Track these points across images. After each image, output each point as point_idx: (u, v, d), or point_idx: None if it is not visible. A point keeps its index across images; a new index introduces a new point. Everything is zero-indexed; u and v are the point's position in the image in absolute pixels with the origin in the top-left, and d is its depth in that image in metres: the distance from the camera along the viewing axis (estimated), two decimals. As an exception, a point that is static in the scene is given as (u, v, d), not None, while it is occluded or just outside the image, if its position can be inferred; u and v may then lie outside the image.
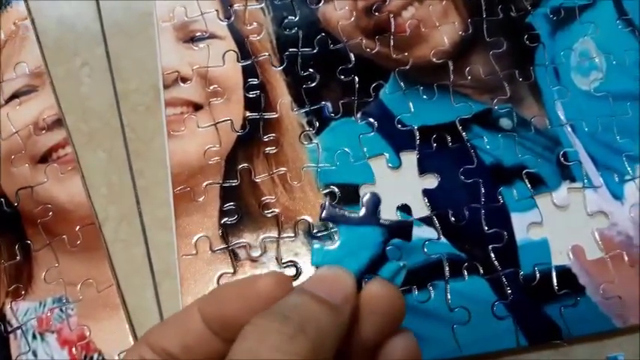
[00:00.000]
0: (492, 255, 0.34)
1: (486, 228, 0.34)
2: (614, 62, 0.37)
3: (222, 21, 0.39)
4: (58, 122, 0.38)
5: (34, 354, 0.34)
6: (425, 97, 0.37)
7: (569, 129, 0.36)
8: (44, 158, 0.38)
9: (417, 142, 0.36)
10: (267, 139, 0.37)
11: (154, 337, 0.21)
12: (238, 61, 0.38)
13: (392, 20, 0.38)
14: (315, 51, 0.38)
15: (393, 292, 0.20)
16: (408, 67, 0.38)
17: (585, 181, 0.35)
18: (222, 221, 0.35)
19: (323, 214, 0.35)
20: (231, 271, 0.34)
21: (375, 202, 0.35)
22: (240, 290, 0.21)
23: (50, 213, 0.36)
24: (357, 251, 0.34)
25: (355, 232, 0.35)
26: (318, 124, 0.37)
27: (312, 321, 0.18)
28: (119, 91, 0.39)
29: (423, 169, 0.36)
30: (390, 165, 0.36)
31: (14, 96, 0.39)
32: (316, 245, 0.34)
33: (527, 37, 0.38)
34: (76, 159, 0.37)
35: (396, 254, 0.34)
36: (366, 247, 0.34)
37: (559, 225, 0.34)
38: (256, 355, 0.17)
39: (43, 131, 0.38)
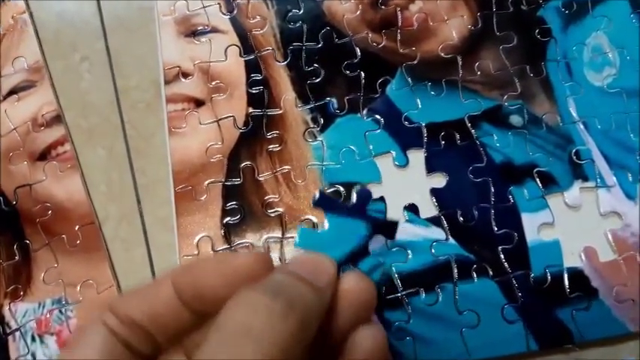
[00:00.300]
0: (502, 256, 0.33)
1: (496, 229, 0.33)
2: (627, 57, 0.36)
3: (224, 14, 0.38)
4: (57, 118, 0.37)
5: (33, 356, 0.33)
6: (433, 93, 0.36)
7: (582, 126, 0.35)
8: (43, 155, 0.37)
9: (425, 139, 0.35)
10: (270, 137, 0.36)
11: (120, 304, 0.21)
12: (241, 55, 0.37)
13: (399, 14, 0.37)
14: (319, 45, 0.37)
15: (368, 285, 0.21)
16: (415, 62, 0.37)
17: (598, 180, 0.34)
18: (224, 221, 0.34)
19: (315, 200, 0.34)
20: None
21: (364, 196, 0.34)
22: (219, 265, 0.21)
23: (49, 212, 0.35)
24: (340, 241, 0.34)
25: (342, 223, 0.34)
26: (322, 120, 0.36)
27: (300, 300, 0.19)
28: (119, 86, 0.38)
29: (431, 167, 0.35)
30: (396, 163, 0.35)
31: (12, 92, 0.38)
32: (304, 226, 0.34)
33: (539, 31, 0.37)
34: (76, 156, 0.36)
35: (377, 251, 0.33)
36: (349, 238, 0.34)
37: (571, 226, 0.33)
38: (247, 329, 0.17)
39: (42, 128, 0.37)
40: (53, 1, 0.40)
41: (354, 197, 0.34)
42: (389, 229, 0.34)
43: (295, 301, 0.19)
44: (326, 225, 0.34)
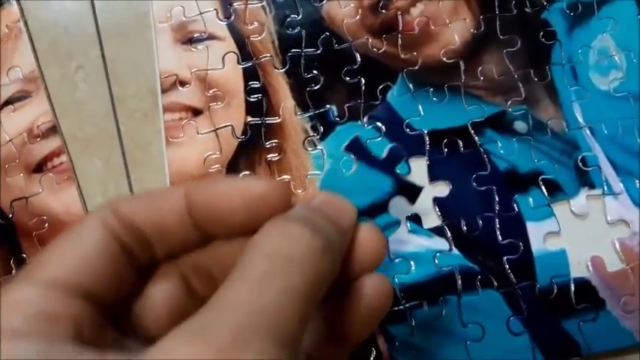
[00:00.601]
0: (507, 267, 0.32)
1: (501, 238, 0.33)
2: (634, 60, 0.35)
3: (221, 21, 0.37)
4: (53, 129, 0.37)
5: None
6: (435, 99, 0.35)
7: (588, 132, 0.34)
8: (39, 167, 0.36)
9: (427, 147, 0.34)
10: (269, 146, 0.35)
11: (123, 204, 0.20)
12: (239, 63, 0.37)
13: (400, 18, 0.36)
14: (319, 51, 0.36)
15: (381, 239, 0.21)
16: (416, 67, 0.36)
17: (605, 187, 0.33)
18: (223, 232, 0.34)
19: (347, 144, 0.34)
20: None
21: (396, 155, 0.34)
22: (238, 187, 0.20)
23: (46, 225, 0.35)
24: (363, 191, 0.33)
25: (369, 173, 0.34)
26: (322, 129, 0.35)
27: (332, 240, 0.19)
28: (116, 95, 0.37)
29: (434, 175, 0.34)
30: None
31: (8, 102, 0.38)
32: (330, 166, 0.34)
33: (543, 34, 0.36)
34: (72, 168, 0.36)
35: (395, 210, 0.33)
36: (373, 190, 0.33)
37: (578, 235, 0.33)
38: (290, 261, 0.17)
39: (38, 139, 0.37)
40: (47, 8, 0.39)
41: (385, 153, 0.34)
42: (412, 192, 0.33)
43: (329, 240, 0.18)
44: (353, 169, 0.34)
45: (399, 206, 0.34)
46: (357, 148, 0.34)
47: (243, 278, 0.16)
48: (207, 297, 0.21)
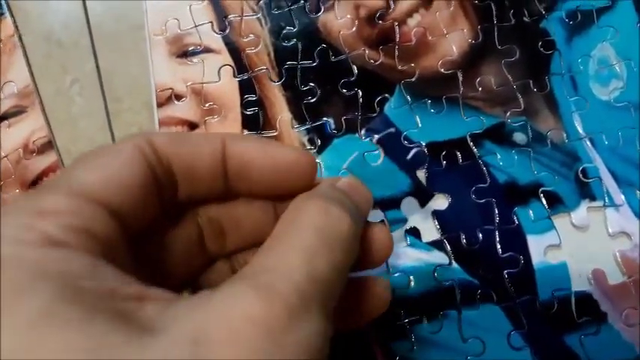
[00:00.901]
0: (507, 281, 0.32)
1: (501, 252, 0.32)
2: (635, 69, 0.35)
3: (217, 33, 0.37)
4: (49, 144, 0.36)
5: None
6: (433, 110, 0.35)
7: (589, 143, 0.34)
8: (35, 183, 0.36)
9: (426, 159, 0.34)
10: (266, 160, 0.35)
11: (160, 140, 0.20)
12: (235, 76, 0.36)
13: (396, 29, 0.36)
14: (315, 64, 0.36)
15: (391, 239, 0.23)
16: (414, 79, 0.35)
17: (606, 199, 0.33)
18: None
19: (379, 137, 0.34)
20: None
21: (420, 158, 0.34)
22: (274, 151, 0.21)
23: None
24: (383, 184, 0.33)
25: (392, 169, 0.34)
26: (319, 142, 0.35)
27: (358, 224, 0.20)
28: (111, 110, 0.37)
29: (433, 188, 0.34)
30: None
31: (3, 117, 0.37)
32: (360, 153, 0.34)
33: (542, 43, 0.36)
34: (68, 184, 0.36)
35: (406, 208, 0.33)
36: (392, 186, 0.34)
37: (579, 247, 0.32)
38: (335, 239, 0.18)
39: (34, 154, 0.36)
40: (41, 22, 0.39)
41: (411, 154, 0.34)
42: (424, 196, 0.33)
43: (357, 223, 0.20)
44: (380, 161, 0.34)
45: (410, 206, 0.33)
46: (387, 142, 0.34)
47: (295, 247, 0.17)
48: (216, 254, 0.22)
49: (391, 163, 0.34)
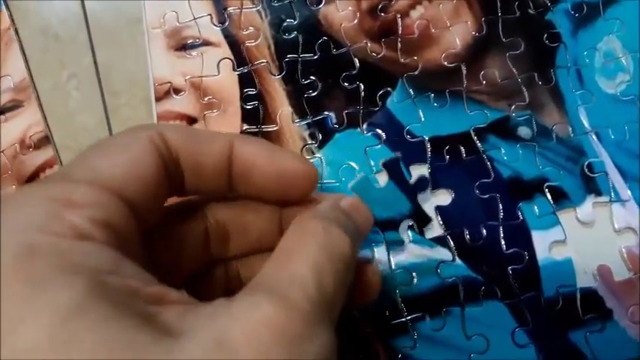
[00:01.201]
0: (512, 277, 0.31)
1: (505, 248, 0.32)
2: (642, 62, 0.34)
3: (216, 26, 0.36)
4: (46, 139, 0.36)
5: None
6: (436, 104, 0.34)
7: (594, 137, 0.33)
8: (32, 179, 0.35)
9: (429, 154, 0.34)
10: (267, 155, 0.34)
11: (171, 132, 0.20)
12: (234, 69, 0.36)
13: (399, 21, 0.35)
14: (316, 57, 0.35)
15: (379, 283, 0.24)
16: (417, 72, 0.35)
17: (612, 194, 0.32)
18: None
19: (385, 161, 0.34)
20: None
21: (423, 183, 0.33)
22: (280, 158, 0.21)
23: None
24: (385, 205, 0.33)
25: (394, 192, 0.33)
26: (320, 136, 0.34)
27: (358, 248, 0.21)
28: (109, 105, 0.36)
29: (436, 183, 0.33)
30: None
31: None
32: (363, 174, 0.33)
33: (547, 36, 0.35)
34: (66, 179, 0.35)
35: (403, 230, 0.33)
36: (392, 208, 0.33)
37: (584, 243, 0.32)
38: (342, 258, 0.19)
39: (30, 149, 0.36)
40: (38, 15, 0.38)
41: (414, 178, 0.33)
42: (421, 221, 0.33)
43: (357, 244, 0.21)
44: (382, 183, 0.33)
45: (407, 229, 0.33)
46: (391, 166, 0.33)
47: (305, 262, 0.18)
48: (217, 257, 0.23)
49: (393, 186, 0.33)
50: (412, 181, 0.33)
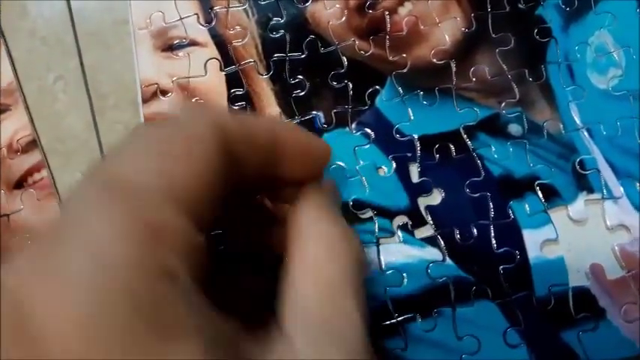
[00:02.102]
0: (503, 277, 0.31)
1: (496, 247, 0.31)
2: (634, 57, 0.33)
3: (202, 26, 0.36)
4: (33, 143, 0.36)
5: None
6: (425, 102, 0.34)
7: (586, 134, 0.33)
8: (20, 183, 0.35)
9: (418, 153, 0.33)
10: (255, 156, 0.34)
11: (230, 123, 0.18)
12: (221, 69, 0.35)
13: (387, 18, 0.35)
14: (303, 55, 0.35)
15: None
16: (406, 69, 0.34)
17: (604, 191, 0.32)
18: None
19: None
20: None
21: (427, 184, 0.33)
22: (316, 141, 0.23)
23: (28, 243, 0.34)
24: (388, 196, 0.33)
25: (397, 185, 0.33)
26: (309, 136, 0.34)
27: None
28: (96, 107, 0.36)
29: (426, 183, 0.33)
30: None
31: (-14, 116, 0.36)
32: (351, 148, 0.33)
33: (538, 31, 0.34)
34: (53, 183, 0.35)
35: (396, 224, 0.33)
36: (393, 199, 0.33)
37: (576, 241, 0.31)
38: (361, 277, 0.19)
39: (18, 154, 0.36)
40: (24, 18, 0.38)
41: (415, 176, 0.33)
42: (418, 220, 0.32)
43: None
44: (390, 173, 0.33)
45: (398, 228, 0.32)
46: (401, 162, 0.33)
47: (351, 296, 0.18)
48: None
49: (398, 180, 0.33)
50: (415, 180, 0.33)
